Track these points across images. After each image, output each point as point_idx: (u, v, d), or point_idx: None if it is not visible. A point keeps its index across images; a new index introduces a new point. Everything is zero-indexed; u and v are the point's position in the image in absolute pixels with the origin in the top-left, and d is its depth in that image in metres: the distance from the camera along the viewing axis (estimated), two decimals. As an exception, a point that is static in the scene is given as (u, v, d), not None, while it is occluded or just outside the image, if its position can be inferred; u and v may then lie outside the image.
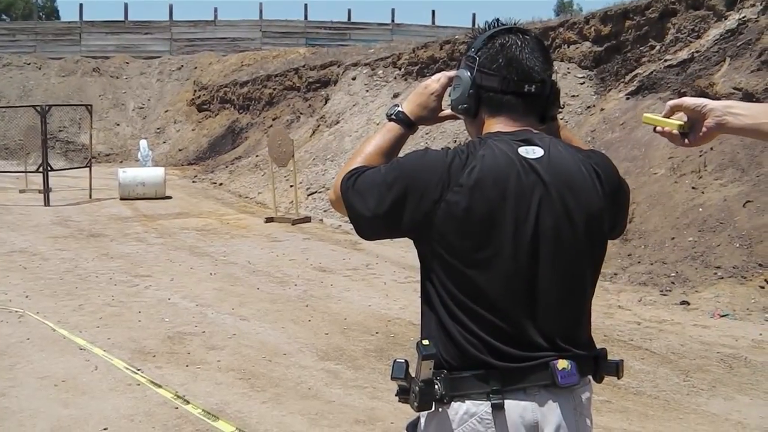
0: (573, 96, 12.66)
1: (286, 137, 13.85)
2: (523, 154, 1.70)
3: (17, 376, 5.22)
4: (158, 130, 26.84)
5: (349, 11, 33.29)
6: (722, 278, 7.25)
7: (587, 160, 1.77)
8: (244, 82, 24.84)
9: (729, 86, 9.51)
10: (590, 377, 1.77)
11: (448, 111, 1.93)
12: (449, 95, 1.89)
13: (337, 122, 17.66)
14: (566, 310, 1.71)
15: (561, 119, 2.25)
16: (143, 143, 19.04)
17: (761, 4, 10.07)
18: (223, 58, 28.99)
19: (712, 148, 8.53)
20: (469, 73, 1.80)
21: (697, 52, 10.58)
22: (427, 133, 13.45)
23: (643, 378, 5.26)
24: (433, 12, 45.74)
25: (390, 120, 1.96)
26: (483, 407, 1.63)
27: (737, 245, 7.52)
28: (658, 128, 1.84)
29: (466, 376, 1.66)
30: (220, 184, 18.42)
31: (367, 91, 18.22)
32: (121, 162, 23.95)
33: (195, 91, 27.43)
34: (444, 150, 1.74)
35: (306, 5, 33.55)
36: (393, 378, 1.71)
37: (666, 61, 11.09)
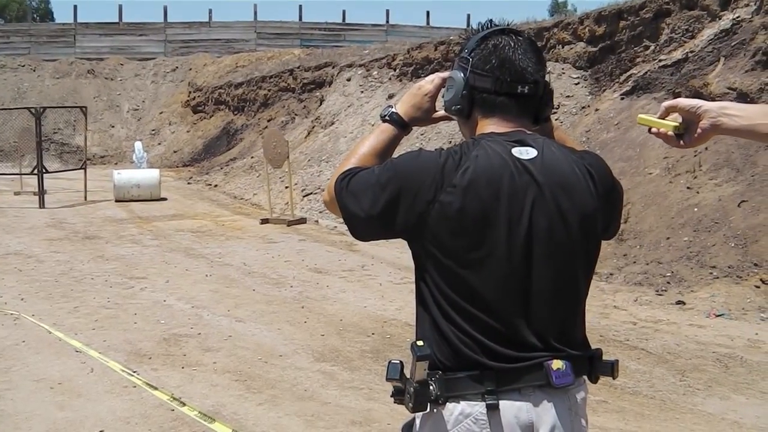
0: (568, 96, 12.67)
1: (281, 138, 13.84)
2: (517, 155, 1.70)
3: (13, 378, 5.21)
4: (153, 132, 26.80)
5: (344, 12, 33.16)
6: (717, 278, 7.26)
7: (581, 161, 1.77)
8: (238, 83, 24.81)
9: (723, 86, 9.52)
10: (585, 377, 1.77)
11: (441, 112, 1.94)
12: (443, 96, 1.89)
13: (332, 123, 17.64)
14: (560, 310, 1.71)
15: (556, 120, 2.25)
16: (138, 145, 19.01)
17: (755, 4, 10.09)
18: (217, 59, 28.97)
19: (706, 148, 8.55)
20: (462, 74, 1.80)
21: (691, 52, 10.60)
22: (422, 134, 13.46)
23: (639, 378, 5.26)
24: (428, 13, 46.13)
25: (384, 121, 1.96)
26: (478, 408, 1.63)
27: (732, 245, 7.53)
28: (653, 129, 1.84)
29: (460, 377, 1.66)
30: (215, 185, 18.40)
31: (362, 92, 18.21)
32: (116, 164, 23.91)
33: (190, 92, 27.39)
34: (437, 151, 1.74)
35: (300, 6, 33.71)
36: (388, 379, 1.71)
37: (660, 61, 11.11)
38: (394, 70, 18.15)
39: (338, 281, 8.38)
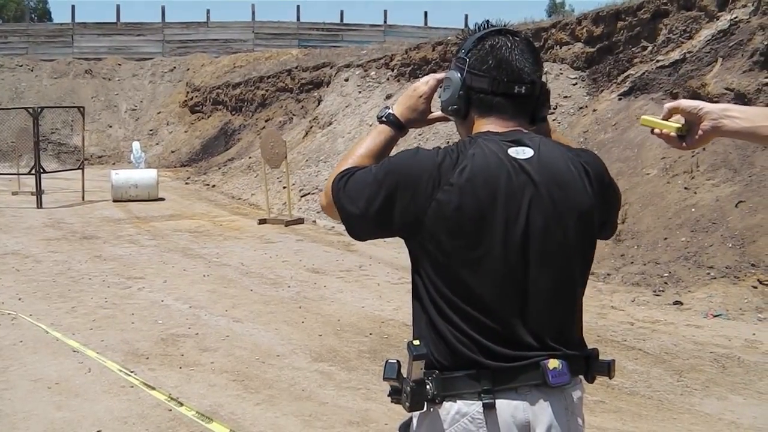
0: (565, 97, 12.68)
1: (279, 138, 13.84)
2: (513, 155, 1.71)
3: (10, 378, 5.20)
4: (151, 132, 26.78)
5: (342, 12, 33.16)
6: (715, 278, 7.27)
7: (576, 158, 1.77)
8: (236, 83, 24.80)
9: (721, 87, 9.54)
10: (581, 377, 1.78)
11: (437, 113, 1.94)
12: (439, 97, 1.89)
13: (330, 123, 17.64)
14: (557, 309, 1.72)
15: (553, 120, 2.25)
16: (136, 145, 18.99)
17: (753, 5, 10.10)
18: (215, 59, 28.94)
19: (704, 149, 8.56)
20: (459, 75, 1.81)
21: (689, 52, 10.61)
22: (420, 134, 13.46)
23: (636, 378, 5.27)
24: (426, 13, 45.99)
25: (381, 122, 1.97)
26: (474, 407, 1.64)
27: (730, 245, 7.54)
28: (656, 130, 1.85)
29: (457, 376, 1.66)
30: (213, 185, 18.39)
31: (360, 92, 18.21)
32: (114, 164, 23.89)
33: (187, 92, 27.37)
34: (434, 149, 1.75)
35: (298, 6, 33.64)
36: (385, 378, 1.71)
37: (658, 61, 11.12)
38: (392, 70, 18.16)
39: (336, 281, 8.38)
